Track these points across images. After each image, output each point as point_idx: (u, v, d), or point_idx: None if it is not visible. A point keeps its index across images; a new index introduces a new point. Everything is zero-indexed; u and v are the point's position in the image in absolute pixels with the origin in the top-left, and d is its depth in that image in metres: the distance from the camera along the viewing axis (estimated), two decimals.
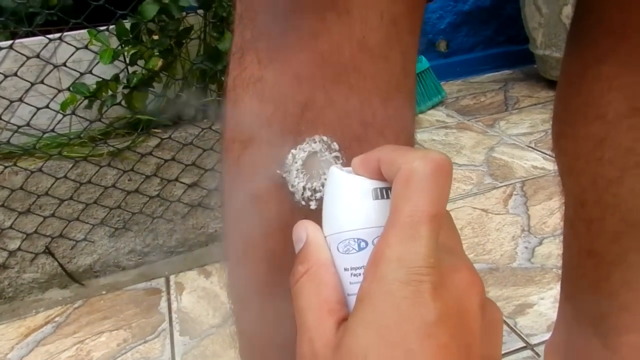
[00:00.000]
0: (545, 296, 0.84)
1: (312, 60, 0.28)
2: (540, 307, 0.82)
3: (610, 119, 0.39)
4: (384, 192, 0.25)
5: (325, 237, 0.26)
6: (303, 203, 0.28)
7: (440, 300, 0.21)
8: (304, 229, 0.26)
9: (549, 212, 1.08)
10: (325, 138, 0.28)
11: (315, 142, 0.28)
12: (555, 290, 0.85)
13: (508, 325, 0.80)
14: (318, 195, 0.28)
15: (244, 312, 0.34)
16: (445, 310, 0.21)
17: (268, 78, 0.29)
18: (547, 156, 1.33)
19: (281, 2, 0.28)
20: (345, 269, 0.25)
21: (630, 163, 0.39)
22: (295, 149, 0.28)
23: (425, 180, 0.23)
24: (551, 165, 1.28)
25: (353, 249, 0.25)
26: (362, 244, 0.25)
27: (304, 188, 0.28)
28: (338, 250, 0.25)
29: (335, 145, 0.28)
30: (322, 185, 0.28)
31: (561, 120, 0.45)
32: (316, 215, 0.28)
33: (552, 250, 0.95)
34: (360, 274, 0.24)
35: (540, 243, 0.99)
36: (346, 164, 0.28)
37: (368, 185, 0.25)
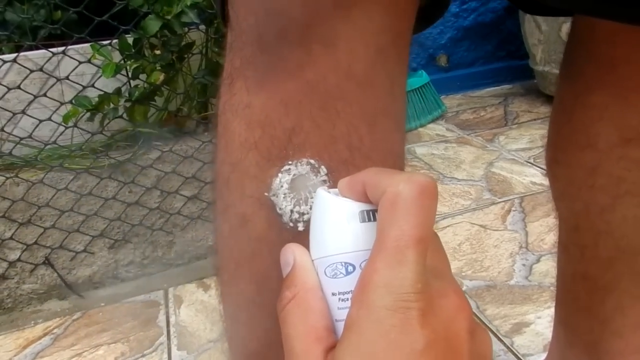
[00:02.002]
0: (542, 315, 0.84)
1: (298, 88, 0.29)
2: (537, 326, 0.82)
3: (601, 148, 0.39)
4: (371, 215, 0.25)
5: (312, 260, 0.26)
6: (291, 225, 0.29)
7: (428, 327, 0.22)
8: (291, 253, 0.26)
9: (547, 229, 1.08)
10: (312, 161, 0.29)
11: (303, 165, 0.29)
12: (552, 309, 0.84)
13: (504, 344, 0.80)
14: (306, 217, 0.29)
15: (235, 330, 0.35)
16: (434, 337, 0.22)
17: (256, 104, 0.30)
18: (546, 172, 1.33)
19: (268, 34, 0.29)
20: (333, 294, 0.25)
21: (622, 191, 0.39)
22: (282, 172, 0.29)
23: (411, 204, 0.23)
24: None
25: (341, 273, 0.25)
26: (350, 268, 0.25)
27: (292, 211, 0.29)
28: (325, 275, 0.25)
29: (324, 169, 0.29)
30: (310, 208, 0.29)
31: (554, 145, 0.45)
32: (304, 237, 0.28)
33: (550, 268, 0.95)
34: (348, 299, 0.24)
35: (538, 260, 0.99)
36: (333, 187, 0.29)
37: (355, 208, 0.25)
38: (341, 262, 0.25)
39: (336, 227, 0.25)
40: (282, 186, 0.28)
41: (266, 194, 0.29)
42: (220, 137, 0.32)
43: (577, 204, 0.42)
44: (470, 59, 2.01)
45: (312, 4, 0.27)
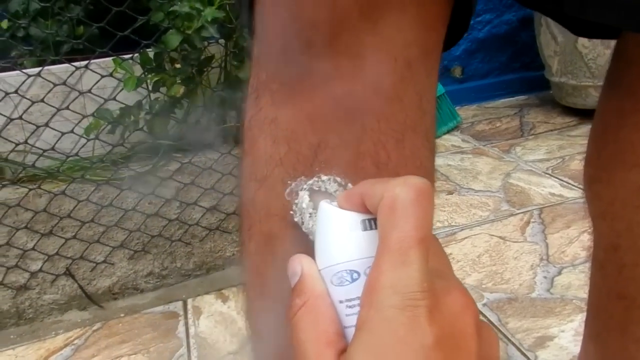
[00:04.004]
0: (566, 328, 0.83)
1: (325, 102, 0.28)
2: (561, 340, 0.81)
3: None
4: (372, 223, 0.26)
5: (319, 270, 0.27)
6: None
7: (435, 324, 0.22)
8: (299, 263, 0.27)
9: (568, 241, 1.07)
10: (339, 179, 0.29)
11: (330, 182, 0.28)
12: (576, 322, 0.84)
13: (528, 358, 0.79)
14: None
15: (262, 348, 0.35)
16: (441, 333, 0.22)
17: (282, 119, 0.30)
18: (565, 183, 1.32)
19: (295, 48, 0.29)
20: (341, 301, 0.26)
21: None
22: (302, 190, 0.28)
23: (409, 206, 0.23)
24: (569, 193, 1.27)
25: (346, 280, 0.25)
26: (355, 275, 0.25)
27: None
28: (332, 283, 0.26)
29: (350, 186, 0.29)
30: None
31: (595, 164, 0.44)
32: None
33: (572, 281, 0.94)
34: (354, 305, 0.25)
35: (560, 273, 0.98)
36: None
37: (356, 217, 0.26)
38: (346, 270, 0.26)
39: (340, 237, 0.26)
40: (306, 204, 0.28)
41: (291, 212, 0.29)
42: (246, 153, 0.32)
43: (619, 223, 0.42)
44: (484, 70, 2.01)
45: (339, 14, 0.27)
